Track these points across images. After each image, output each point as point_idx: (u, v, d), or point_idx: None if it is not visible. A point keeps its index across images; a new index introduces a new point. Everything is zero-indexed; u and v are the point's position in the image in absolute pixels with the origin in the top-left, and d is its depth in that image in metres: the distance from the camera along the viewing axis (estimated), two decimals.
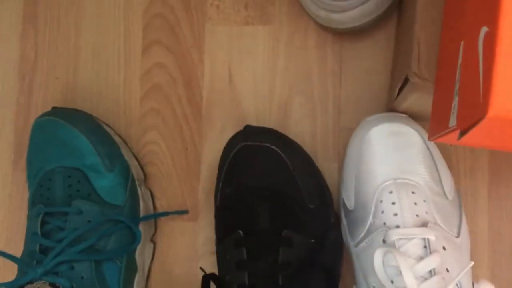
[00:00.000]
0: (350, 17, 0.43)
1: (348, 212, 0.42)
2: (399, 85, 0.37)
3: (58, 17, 0.51)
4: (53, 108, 0.47)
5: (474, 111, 0.21)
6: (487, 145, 0.25)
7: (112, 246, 0.42)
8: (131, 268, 0.44)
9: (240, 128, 0.45)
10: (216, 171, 0.45)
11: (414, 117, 0.43)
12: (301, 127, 0.48)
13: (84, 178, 0.43)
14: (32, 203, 0.44)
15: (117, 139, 0.47)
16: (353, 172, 0.41)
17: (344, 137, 0.47)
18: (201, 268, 0.42)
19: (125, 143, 0.49)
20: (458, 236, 0.39)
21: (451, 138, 0.29)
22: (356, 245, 0.40)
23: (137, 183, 0.47)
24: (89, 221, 0.42)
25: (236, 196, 0.41)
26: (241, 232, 0.40)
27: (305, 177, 0.42)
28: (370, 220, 0.39)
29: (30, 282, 0.39)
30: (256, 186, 0.41)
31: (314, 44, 0.48)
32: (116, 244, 0.43)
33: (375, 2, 0.42)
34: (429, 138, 0.31)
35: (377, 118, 0.41)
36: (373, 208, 0.39)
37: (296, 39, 0.48)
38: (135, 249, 0.44)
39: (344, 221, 0.42)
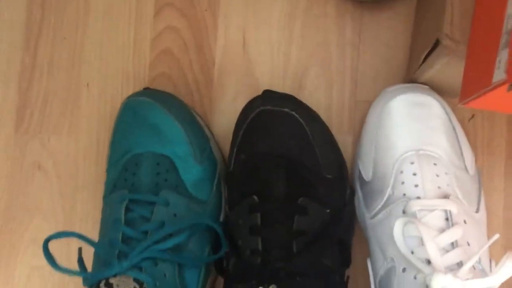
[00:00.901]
0: None
1: (364, 183, 0.41)
2: (426, 51, 0.35)
3: None
4: (146, 88, 0.44)
5: None
6: None
7: (193, 246, 0.40)
8: (208, 270, 0.42)
9: (253, 96, 0.43)
10: (227, 140, 0.44)
11: (434, 90, 0.41)
12: (316, 99, 0.46)
13: (173, 167, 0.41)
14: (114, 186, 0.41)
15: (206, 131, 0.45)
16: (372, 143, 0.40)
17: (360, 110, 0.46)
18: None
19: (213, 136, 0.46)
20: (477, 211, 0.38)
21: (488, 100, 0.28)
22: (373, 217, 0.39)
23: (222, 181, 0.45)
24: (174, 214, 0.39)
25: (251, 162, 0.40)
26: (255, 197, 0.38)
27: (324, 147, 0.41)
28: (388, 191, 0.38)
29: (114, 275, 0.36)
30: (273, 153, 0.40)
31: (333, 13, 0.46)
32: (197, 244, 0.40)
33: None
34: (460, 101, 0.30)
35: (399, 88, 0.40)
36: (392, 179, 0.38)
37: (315, 6, 0.47)
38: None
39: (359, 193, 0.41)
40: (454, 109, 0.42)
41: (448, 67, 0.35)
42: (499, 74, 0.24)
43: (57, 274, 0.47)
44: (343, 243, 0.39)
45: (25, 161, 0.49)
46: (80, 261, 0.40)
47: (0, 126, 0.49)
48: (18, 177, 0.49)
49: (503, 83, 0.23)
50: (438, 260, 0.32)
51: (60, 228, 0.48)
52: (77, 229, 0.48)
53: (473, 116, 0.45)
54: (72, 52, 0.49)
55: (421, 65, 0.37)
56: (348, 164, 0.45)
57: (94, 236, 0.47)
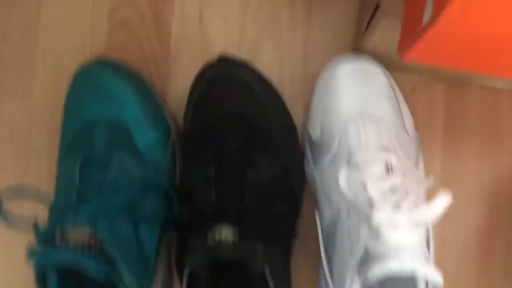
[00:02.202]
0: None
1: (312, 143, 0.43)
2: (368, 15, 0.38)
3: None
4: (98, 57, 0.45)
5: None
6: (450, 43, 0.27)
7: (148, 205, 0.40)
8: (164, 229, 0.42)
9: None
10: (182, 107, 0.46)
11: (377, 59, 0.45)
12: (269, 71, 0.48)
13: (126, 132, 0.42)
14: (69, 149, 0.42)
15: (159, 100, 0.45)
16: (321, 106, 0.43)
17: (310, 82, 0.48)
18: None
19: (166, 105, 0.47)
20: (416, 167, 0.41)
21: (419, 50, 0.31)
22: (321, 171, 0.41)
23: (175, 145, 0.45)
24: (127, 176, 0.40)
25: (207, 123, 0.42)
26: (210, 152, 0.40)
27: (275, 109, 0.43)
28: (335, 145, 0.40)
29: (67, 229, 0.37)
30: (227, 114, 0.41)
31: None
32: (153, 203, 0.41)
33: None
34: (398, 50, 0.33)
35: (346, 58, 0.43)
36: (338, 136, 0.40)
37: None
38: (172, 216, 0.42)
39: (308, 154, 0.44)
40: (396, 82, 0.45)
41: (389, 32, 0.38)
42: (427, 16, 0.27)
43: (7, 235, 0.46)
44: (293, 195, 0.41)
45: None
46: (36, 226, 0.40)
47: None
48: None
49: (430, 21, 0.26)
50: (379, 199, 0.34)
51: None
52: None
53: (413, 88, 0.48)
54: (28, 21, 0.49)
55: (365, 31, 0.40)
56: (298, 132, 0.47)
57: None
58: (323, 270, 0.39)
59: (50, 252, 0.34)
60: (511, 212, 0.47)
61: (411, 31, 0.31)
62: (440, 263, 0.46)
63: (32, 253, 0.35)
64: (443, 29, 0.26)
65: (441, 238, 0.47)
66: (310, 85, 0.48)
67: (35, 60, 0.49)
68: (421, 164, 0.43)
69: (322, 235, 0.39)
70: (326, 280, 0.39)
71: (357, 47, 0.45)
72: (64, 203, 0.38)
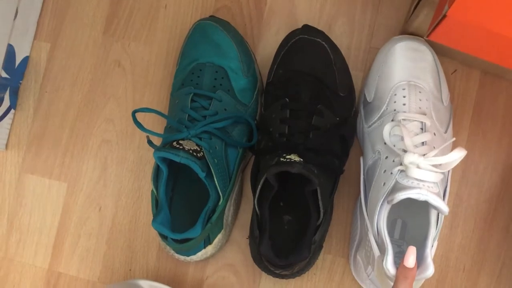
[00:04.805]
0: None
1: (366, 104, 0.55)
2: (414, 3, 0.49)
3: None
4: (211, 16, 0.59)
5: None
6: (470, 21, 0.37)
7: (235, 134, 0.54)
8: (244, 154, 0.56)
9: None
10: (267, 62, 0.58)
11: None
12: (340, 41, 0.60)
13: (227, 77, 0.55)
14: (182, 84, 0.56)
15: (252, 55, 0.59)
16: (377, 73, 0.55)
17: (371, 55, 0.60)
18: None
19: (256, 60, 0.59)
20: (445, 132, 0.53)
21: (440, 33, 0.42)
22: (369, 126, 0.53)
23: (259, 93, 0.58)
24: (225, 109, 0.54)
25: (287, 76, 0.54)
26: (287, 99, 0.53)
27: (341, 72, 0.55)
28: (384, 107, 0.52)
29: (182, 139, 0.51)
30: (304, 70, 0.54)
31: None
32: (238, 133, 0.55)
33: None
34: (426, 35, 0.44)
35: (403, 37, 0.54)
36: (388, 99, 0.52)
37: None
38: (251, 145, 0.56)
39: (362, 111, 0.56)
40: (441, 62, 0.56)
41: (427, 17, 0.49)
42: (446, 7, 0.38)
43: (120, 148, 0.62)
44: (345, 139, 0.54)
45: (108, 58, 0.63)
46: (150, 141, 0.54)
47: (92, 28, 0.64)
48: (101, 69, 0.63)
49: (445, 14, 0.37)
50: (411, 148, 0.47)
51: (130, 113, 0.62)
52: (142, 115, 0.62)
53: (455, 70, 0.59)
54: None
55: (411, 15, 0.51)
56: (356, 93, 0.59)
57: (157, 120, 0.61)
58: (360, 199, 0.52)
59: (172, 151, 0.49)
60: None
61: (436, 18, 0.42)
62: (451, 214, 0.58)
63: (157, 150, 0.49)
64: (452, 19, 0.38)
65: (457, 194, 0.59)
66: (371, 57, 0.60)
67: (159, 11, 0.63)
68: (450, 130, 0.54)
69: (364, 173, 0.52)
70: (361, 207, 0.52)
71: (403, 29, 0.56)
72: (178, 122, 0.53)
